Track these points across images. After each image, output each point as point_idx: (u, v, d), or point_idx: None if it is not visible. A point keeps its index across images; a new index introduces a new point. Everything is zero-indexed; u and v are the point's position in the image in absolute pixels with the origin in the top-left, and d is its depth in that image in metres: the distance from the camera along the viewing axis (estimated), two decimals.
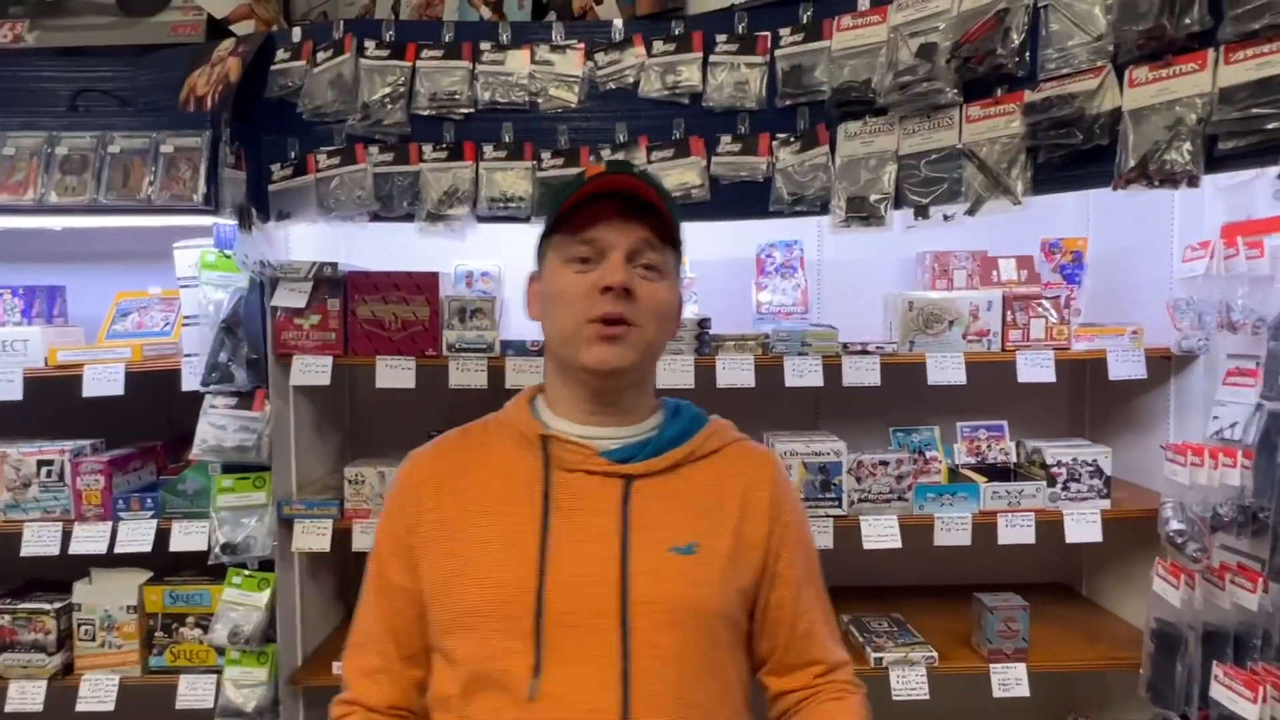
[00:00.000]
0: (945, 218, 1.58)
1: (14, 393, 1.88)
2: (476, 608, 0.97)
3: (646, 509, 0.99)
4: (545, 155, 1.80)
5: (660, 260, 1.01)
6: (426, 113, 1.82)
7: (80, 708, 1.90)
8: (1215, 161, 1.27)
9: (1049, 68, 1.44)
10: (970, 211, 1.54)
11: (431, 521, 1.02)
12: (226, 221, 1.77)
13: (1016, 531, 1.90)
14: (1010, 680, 1.88)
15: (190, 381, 1.87)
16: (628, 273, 0.97)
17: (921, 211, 1.60)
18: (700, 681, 0.98)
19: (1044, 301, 1.94)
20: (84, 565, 1.97)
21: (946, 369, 1.90)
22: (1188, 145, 1.26)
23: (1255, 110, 1.20)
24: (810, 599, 1.08)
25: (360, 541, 1.90)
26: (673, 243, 1.03)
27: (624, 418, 1.04)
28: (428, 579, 1.01)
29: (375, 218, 1.86)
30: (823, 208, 1.72)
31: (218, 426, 1.84)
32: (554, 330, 1.02)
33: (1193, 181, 1.27)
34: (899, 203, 1.65)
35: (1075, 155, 1.43)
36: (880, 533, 1.88)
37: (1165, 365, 2.01)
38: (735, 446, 1.09)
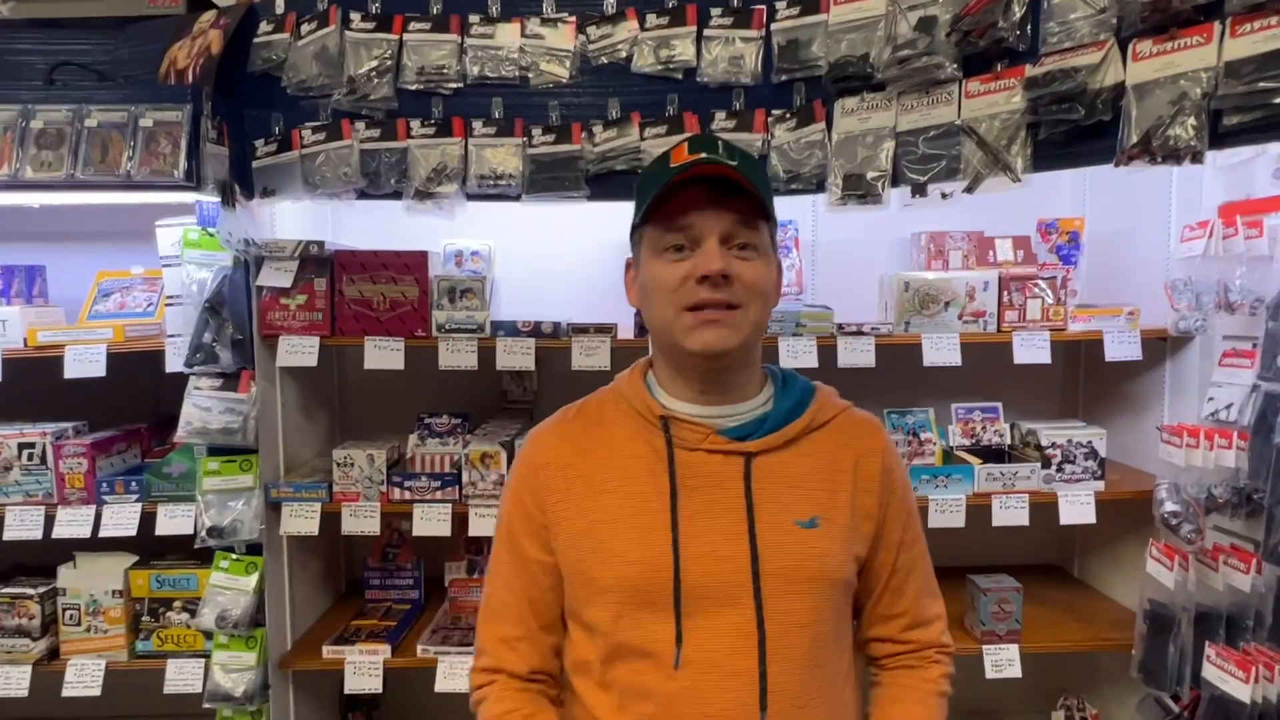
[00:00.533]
0: (943, 196, 1.56)
1: None
2: (615, 585, 1.01)
3: (768, 484, 1.02)
4: (536, 131, 1.76)
5: (754, 237, 1.00)
6: (414, 87, 1.78)
7: (67, 693, 1.88)
8: (1220, 137, 1.25)
9: (1051, 41, 1.41)
10: (969, 189, 1.51)
11: (561, 502, 1.05)
12: (209, 199, 1.72)
13: (1010, 513, 1.89)
14: (1003, 661, 1.88)
15: (174, 363, 1.83)
16: (724, 258, 0.97)
17: (919, 189, 1.57)
18: (826, 643, 1.04)
19: (1040, 282, 1.93)
20: (68, 549, 1.94)
21: (942, 350, 1.88)
22: (1192, 120, 1.23)
23: (1262, 84, 1.17)
24: (908, 560, 1.11)
25: (350, 525, 1.88)
26: (766, 215, 1.02)
27: (736, 395, 1.06)
28: (564, 557, 1.05)
29: (362, 195, 1.82)
30: (819, 186, 1.69)
31: (203, 408, 1.81)
32: (654, 319, 1.03)
33: (1196, 157, 1.24)
34: (896, 180, 1.62)
35: (1076, 131, 1.40)
36: None
37: (1160, 346, 2.00)
38: (845, 416, 1.11)
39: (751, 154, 1.07)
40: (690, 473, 1.03)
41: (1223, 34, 1.23)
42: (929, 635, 1.13)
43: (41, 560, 2.02)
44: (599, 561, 1.02)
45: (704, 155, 0.99)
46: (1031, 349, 1.89)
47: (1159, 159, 1.26)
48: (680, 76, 1.76)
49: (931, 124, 1.56)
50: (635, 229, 1.07)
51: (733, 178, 0.97)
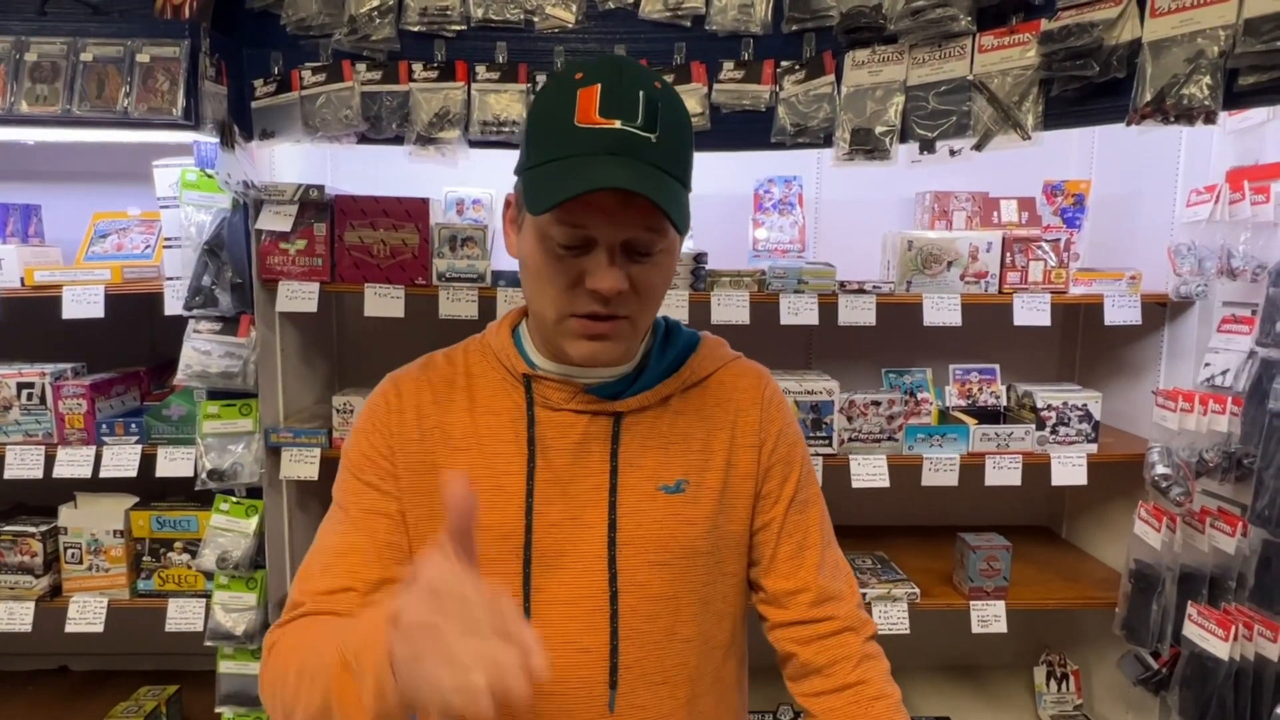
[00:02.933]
0: (951, 153, 1.54)
1: None
2: None
3: (636, 446, 0.94)
4: (540, 78, 1.73)
5: (661, 242, 0.86)
6: (417, 29, 1.74)
7: (70, 629, 1.91)
8: (1234, 97, 1.23)
9: None
10: (978, 146, 1.49)
11: (414, 453, 0.95)
12: (207, 139, 1.70)
13: (1003, 473, 1.91)
14: (989, 617, 1.92)
15: (173, 305, 1.82)
16: (619, 275, 0.83)
17: (927, 146, 1.55)
18: (693, 618, 0.95)
19: (1044, 244, 1.92)
20: (69, 490, 1.95)
21: (942, 310, 1.88)
22: (1207, 79, 1.22)
23: None
24: (799, 523, 1.00)
25: None
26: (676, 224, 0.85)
27: (612, 364, 0.95)
28: (410, 513, 0.95)
29: (363, 139, 1.79)
30: (826, 140, 1.67)
31: (202, 352, 1.80)
32: (533, 305, 0.92)
33: (1209, 118, 1.23)
34: (905, 136, 1.60)
35: (1089, 89, 1.38)
36: (869, 472, 1.89)
37: (1160, 311, 2.00)
38: (728, 369, 1.01)
39: (675, 107, 0.84)
40: (553, 434, 0.93)
41: None
42: (843, 609, 0.99)
43: (43, 500, 2.04)
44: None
45: (619, 125, 0.79)
46: (1032, 311, 1.89)
47: (1171, 118, 1.25)
48: (689, 24, 1.72)
49: (943, 79, 1.54)
50: (520, 172, 0.89)
51: (651, 184, 0.79)
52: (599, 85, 0.80)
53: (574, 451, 0.94)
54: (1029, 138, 1.44)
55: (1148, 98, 1.27)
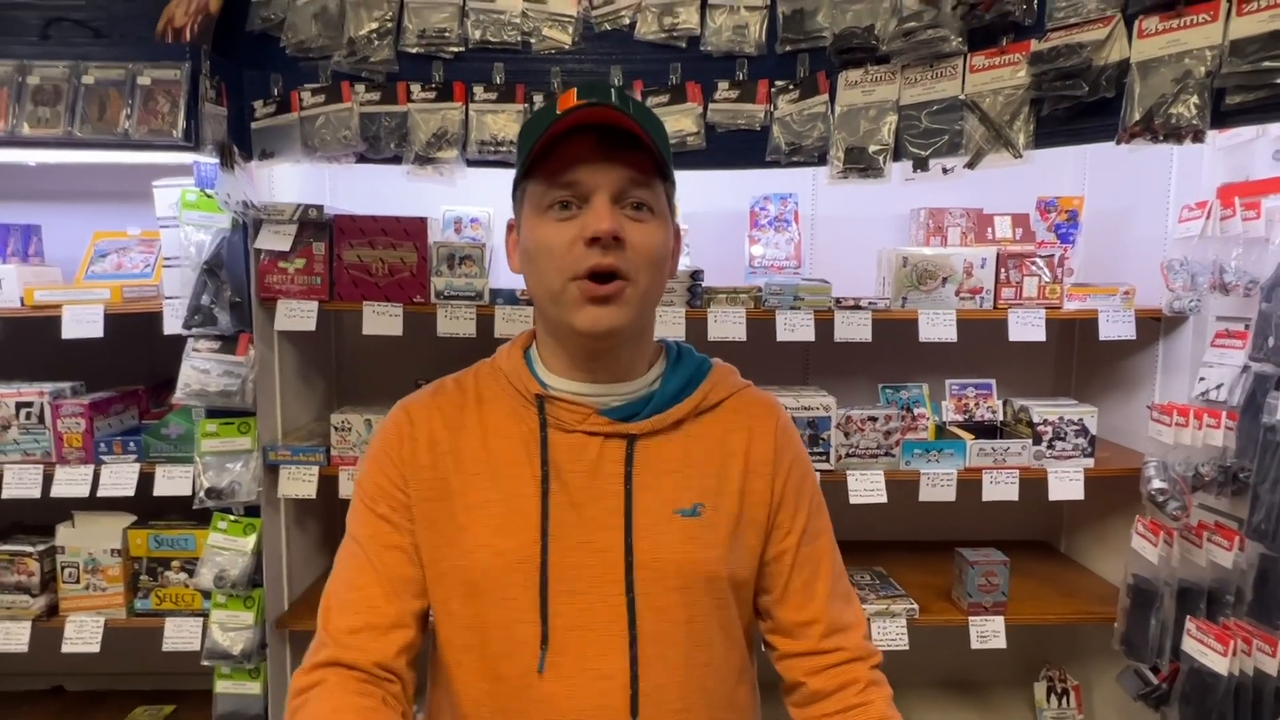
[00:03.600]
0: (944, 171, 1.56)
1: None
2: (477, 577, 0.92)
3: (650, 469, 0.94)
4: (537, 98, 1.75)
5: (650, 197, 0.90)
6: (415, 50, 1.76)
7: (66, 649, 1.90)
8: (1221, 116, 1.25)
9: (1057, 16, 1.40)
10: (970, 165, 1.51)
11: (426, 480, 0.95)
12: (207, 159, 1.71)
13: (1001, 488, 1.92)
14: (988, 633, 1.92)
15: (172, 324, 1.83)
16: (615, 218, 0.86)
17: (921, 164, 1.57)
18: (708, 642, 0.95)
19: (1038, 260, 1.93)
20: (67, 508, 1.95)
21: (938, 326, 1.89)
22: (1195, 99, 1.23)
23: (1266, 63, 1.17)
24: (811, 554, 1.00)
25: (347, 489, 1.89)
26: (663, 174, 0.91)
27: (624, 372, 0.96)
28: (421, 542, 0.95)
29: (361, 159, 1.81)
30: (820, 158, 1.69)
31: (201, 370, 1.81)
32: (538, 288, 0.92)
33: (1198, 136, 1.25)
34: (898, 154, 1.62)
35: (1079, 108, 1.40)
36: (867, 487, 1.89)
37: (1154, 326, 2.02)
38: (739, 396, 1.02)
39: (650, 110, 0.95)
40: (566, 456, 0.93)
41: (1229, 12, 1.22)
42: (852, 641, 0.99)
43: (40, 519, 2.04)
44: (460, 551, 0.92)
45: (594, 100, 0.87)
46: (1027, 327, 1.90)
47: (1160, 137, 1.26)
48: (684, 45, 1.74)
49: (935, 98, 1.56)
50: (517, 184, 0.95)
51: (626, 126, 0.86)
52: (575, 88, 0.90)
53: (588, 474, 0.93)
54: (1020, 156, 1.46)
55: (1136, 117, 1.29)
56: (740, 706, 1.01)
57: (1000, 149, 1.47)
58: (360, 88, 1.76)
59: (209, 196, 1.78)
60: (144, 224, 2.04)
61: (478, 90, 1.76)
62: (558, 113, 0.87)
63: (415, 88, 1.76)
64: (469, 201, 2.13)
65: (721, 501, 0.96)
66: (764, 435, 1.00)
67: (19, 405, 1.90)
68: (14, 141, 1.60)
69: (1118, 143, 1.33)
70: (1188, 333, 1.94)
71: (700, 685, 0.94)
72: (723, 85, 1.73)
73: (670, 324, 1.86)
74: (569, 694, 0.90)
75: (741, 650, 1.01)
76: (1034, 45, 1.43)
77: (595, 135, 0.87)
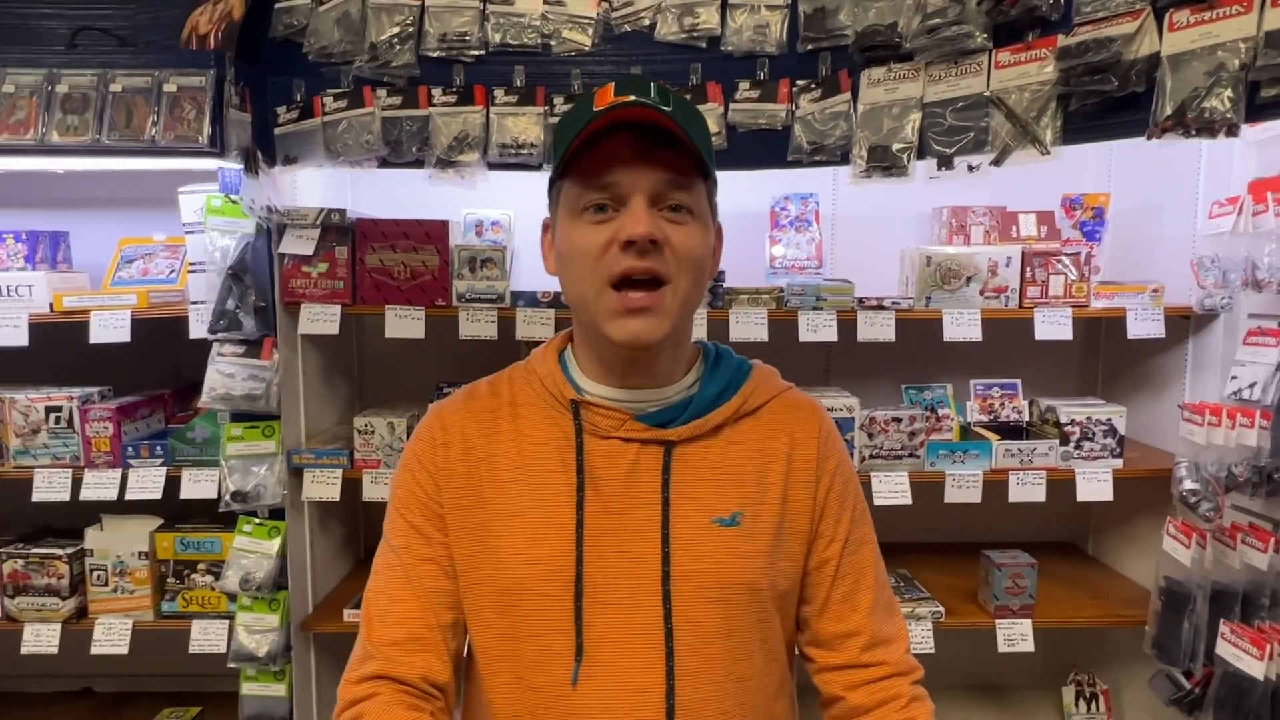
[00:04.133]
0: (970, 168, 1.54)
1: (19, 338, 1.86)
2: (510, 586, 0.90)
3: (688, 477, 0.91)
4: (558, 100, 1.75)
5: (689, 198, 0.86)
6: (436, 54, 1.77)
7: (95, 650, 1.92)
8: (1256, 109, 1.23)
9: (1085, 10, 1.38)
10: (996, 162, 1.49)
11: (460, 488, 0.93)
12: (232, 165, 1.73)
13: (1027, 489, 1.89)
14: (1016, 636, 1.90)
15: (198, 329, 1.85)
16: (652, 220, 0.83)
17: (945, 162, 1.56)
18: (748, 656, 0.92)
19: (1064, 258, 1.91)
20: (95, 512, 1.97)
21: (962, 325, 1.87)
22: (1229, 92, 1.21)
23: None
24: (855, 564, 0.97)
25: (370, 492, 1.90)
26: (704, 172, 0.88)
27: (662, 378, 0.93)
28: (456, 551, 0.93)
29: (383, 163, 1.82)
30: (843, 158, 1.67)
31: (226, 375, 1.82)
32: (573, 293, 0.89)
33: (1232, 130, 1.23)
34: (922, 153, 1.61)
35: (1108, 103, 1.38)
36: (891, 489, 1.87)
37: (1183, 324, 1.98)
38: (781, 399, 0.98)
39: (691, 104, 0.91)
40: (602, 463, 0.91)
41: (1264, 3, 1.20)
42: (895, 655, 0.96)
43: (69, 522, 2.06)
44: (494, 560, 0.91)
45: (632, 98, 0.83)
46: (1053, 326, 1.88)
47: (1193, 131, 1.24)
48: (704, 45, 1.74)
49: (959, 95, 1.54)
50: (552, 183, 0.91)
51: (665, 125, 0.83)
52: (613, 83, 0.87)
53: (624, 481, 0.91)
54: (1048, 152, 1.44)
55: (1168, 111, 1.27)
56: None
57: (1027, 145, 1.45)
58: (382, 92, 1.77)
59: (234, 202, 1.79)
60: (170, 230, 2.06)
61: (498, 93, 1.77)
62: (595, 109, 0.84)
63: (436, 91, 1.77)
64: (490, 204, 2.14)
65: (762, 510, 0.93)
66: (807, 440, 0.96)
67: (48, 410, 1.92)
68: (44, 149, 1.62)
69: (1148, 138, 1.31)
70: (1218, 331, 1.90)
71: (739, 700, 0.91)
72: (744, 85, 1.72)
73: (693, 325, 1.85)
74: (603, 707, 0.88)
75: (782, 663, 0.98)
76: (1061, 40, 1.41)
77: (633, 134, 0.84)
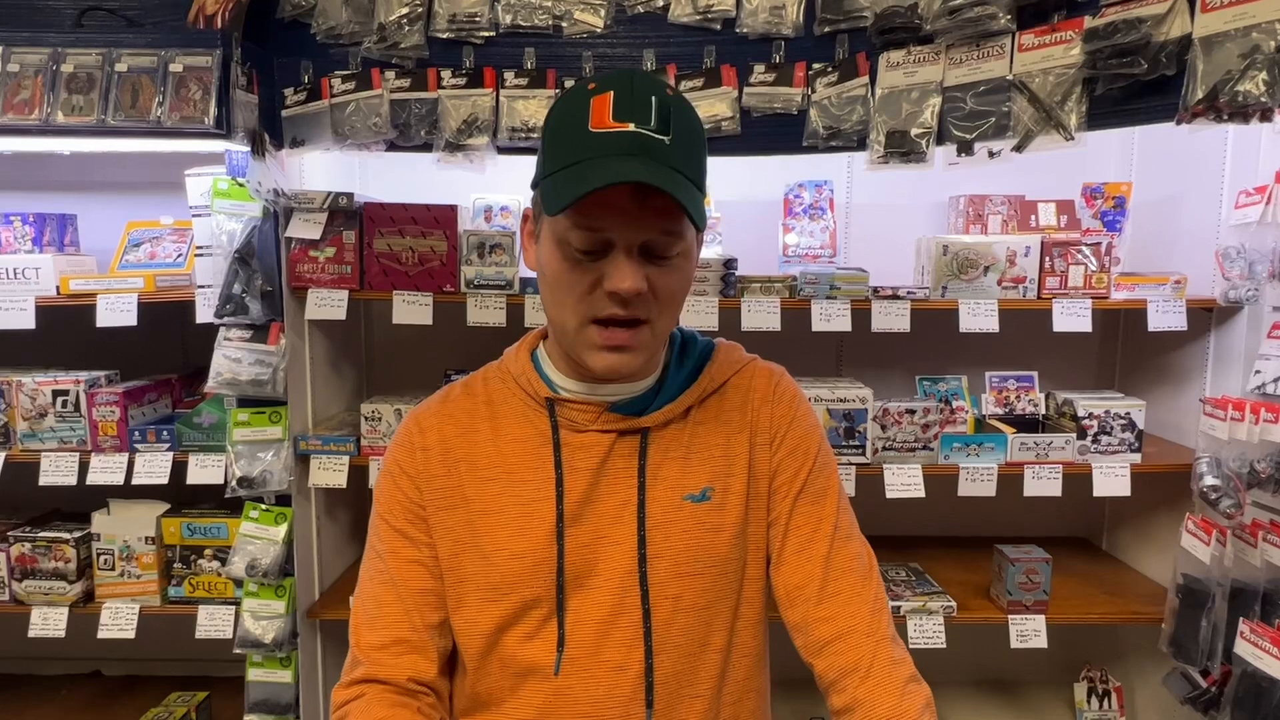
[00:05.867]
0: (990, 154, 1.50)
1: (26, 321, 1.85)
2: (496, 581, 0.93)
3: (662, 459, 0.94)
4: (569, 83, 1.72)
5: (678, 245, 0.86)
6: (445, 36, 1.74)
7: (102, 634, 1.92)
8: None
9: None
10: (1018, 148, 1.45)
11: (441, 489, 0.95)
12: (238, 147, 1.70)
13: (1043, 484, 1.86)
14: (1029, 632, 1.87)
15: (204, 314, 1.83)
16: (639, 276, 0.83)
17: (965, 148, 1.52)
18: (725, 627, 0.95)
19: (1084, 248, 1.87)
20: (102, 496, 1.97)
21: (979, 316, 1.84)
22: (1263, 75, 1.17)
23: None
24: (810, 512, 0.95)
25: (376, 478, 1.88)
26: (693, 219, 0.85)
27: (634, 378, 0.95)
28: (440, 550, 0.95)
29: (391, 147, 1.79)
30: (860, 143, 1.64)
31: (233, 359, 1.81)
32: (554, 314, 0.90)
33: (1266, 115, 1.19)
34: (941, 138, 1.57)
35: (1136, 87, 1.34)
36: (904, 481, 1.85)
37: (1205, 317, 1.94)
38: (742, 373, 1.00)
39: (688, 114, 0.86)
40: (580, 455, 0.93)
41: None
42: (852, 608, 0.91)
43: (77, 506, 2.06)
44: (479, 557, 0.93)
45: (631, 128, 0.80)
46: (1072, 317, 1.84)
47: (1225, 116, 1.20)
48: (718, 27, 1.70)
49: (981, 79, 1.50)
50: (538, 180, 0.89)
51: (662, 188, 0.78)
52: (611, 92, 0.81)
53: (600, 471, 0.94)
54: (1072, 138, 1.40)
55: (1199, 95, 1.23)
56: (758, 690, 1.01)
57: (1050, 131, 1.41)
58: (390, 74, 1.74)
59: (240, 185, 1.77)
60: (177, 214, 2.04)
61: (508, 76, 1.73)
62: (591, 129, 0.81)
63: (446, 74, 1.74)
64: (499, 189, 2.11)
65: (731, 482, 0.95)
66: (762, 405, 0.98)
67: (55, 393, 1.91)
68: (49, 130, 1.60)
69: (1178, 123, 1.27)
70: (1241, 324, 1.86)
71: (717, 670, 0.95)
72: (758, 68, 1.69)
73: (703, 314, 1.83)
74: (585, 687, 0.92)
75: (757, 633, 0.99)
76: (1088, 21, 1.37)
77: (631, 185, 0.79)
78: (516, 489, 0.94)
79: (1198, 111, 1.23)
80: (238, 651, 1.87)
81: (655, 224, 0.83)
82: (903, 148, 1.55)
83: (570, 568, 0.92)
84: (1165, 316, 1.84)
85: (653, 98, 0.82)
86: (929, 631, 1.86)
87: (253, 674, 1.90)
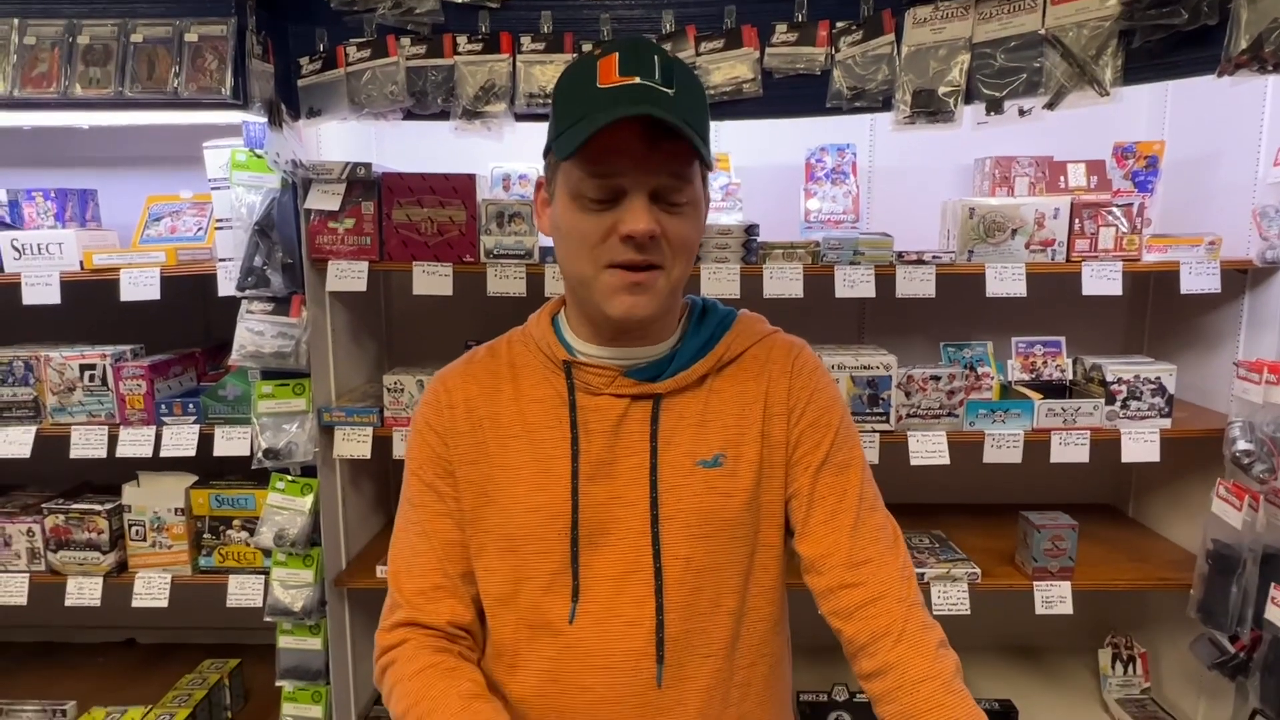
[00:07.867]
0: (1021, 112, 1.46)
1: (52, 296, 1.87)
2: (513, 533, 0.97)
3: (674, 425, 0.97)
4: (586, 47, 1.69)
5: (689, 191, 0.89)
6: (460, 0, 1.71)
7: (136, 603, 1.96)
8: None
9: None
10: (1050, 105, 1.41)
11: (466, 445, 1.00)
12: (256, 118, 1.69)
13: (1070, 450, 1.84)
14: (1054, 598, 1.86)
15: (226, 286, 1.84)
16: (652, 218, 0.86)
17: (995, 106, 1.48)
18: (736, 590, 0.98)
19: (1114, 209, 1.82)
20: (132, 469, 2.00)
21: (1006, 280, 1.80)
22: None
23: None
24: (834, 484, 0.97)
25: (401, 450, 1.89)
26: (703, 159, 0.88)
27: (651, 337, 0.99)
28: (466, 505, 1.00)
29: (408, 115, 1.77)
30: (885, 103, 1.60)
31: (255, 332, 1.82)
32: (569, 269, 0.93)
33: None
34: (970, 97, 1.53)
35: (1175, 39, 1.29)
36: (929, 449, 1.83)
37: (1239, 279, 1.90)
38: (762, 344, 1.02)
39: (693, 77, 0.91)
40: (595, 418, 0.97)
41: None
42: (882, 574, 0.93)
43: (108, 478, 2.09)
44: (498, 510, 0.98)
45: (637, 80, 0.84)
46: (1102, 280, 1.80)
47: (1270, 67, 1.16)
48: None
49: (1011, 34, 1.46)
50: (550, 145, 0.92)
51: (669, 123, 0.82)
52: (617, 53, 0.86)
53: (615, 433, 0.97)
54: (1107, 94, 1.36)
55: (1243, 45, 1.18)
56: (774, 655, 1.02)
57: (1084, 87, 1.37)
58: (406, 41, 1.72)
59: (258, 156, 1.76)
60: (196, 187, 2.04)
61: (525, 40, 1.70)
62: (599, 85, 0.85)
63: (461, 39, 1.71)
64: (517, 157, 2.09)
65: (744, 450, 0.97)
66: (780, 376, 1.00)
67: (82, 368, 1.93)
68: (67, 103, 1.60)
69: (1219, 75, 1.23)
70: (1276, 285, 1.82)
71: (729, 631, 0.97)
72: (780, 28, 1.65)
73: (725, 280, 1.81)
74: (598, 639, 0.95)
75: (772, 599, 1.01)
76: None
77: (638, 123, 0.83)
78: (536, 447, 0.98)
79: (1241, 62, 1.18)
80: (268, 619, 1.90)
81: (665, 167, 0.86)
82: (930, 107, 1.51)
83: (585, 524, 0.95)
84: (1198, 279, 1.80)
85: (655, 57, 0.87)
86: (953, 598, 1.86)
87: (283, 641, 1.94)
